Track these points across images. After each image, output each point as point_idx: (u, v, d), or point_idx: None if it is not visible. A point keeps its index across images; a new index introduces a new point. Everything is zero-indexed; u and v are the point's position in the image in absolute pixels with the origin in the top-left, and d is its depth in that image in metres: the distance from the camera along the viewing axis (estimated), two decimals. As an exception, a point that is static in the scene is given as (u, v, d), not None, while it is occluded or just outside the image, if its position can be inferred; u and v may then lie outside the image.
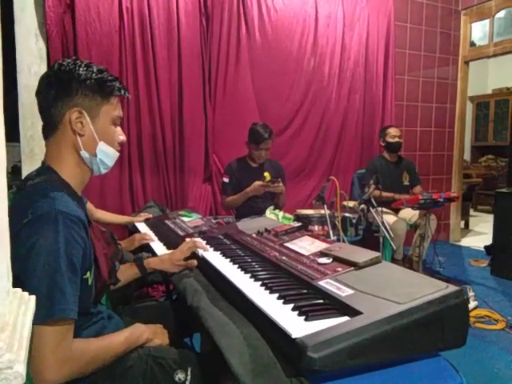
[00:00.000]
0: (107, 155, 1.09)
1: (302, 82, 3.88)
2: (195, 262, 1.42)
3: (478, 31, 4.87)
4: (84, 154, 1.05)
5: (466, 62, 4.92)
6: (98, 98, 1.05)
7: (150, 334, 1.15)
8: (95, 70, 1.05)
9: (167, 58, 3.26)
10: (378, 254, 1.13)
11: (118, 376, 1.03)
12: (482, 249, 4.40)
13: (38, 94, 1.05)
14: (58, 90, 1.02)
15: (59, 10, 2.88)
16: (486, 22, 4.69)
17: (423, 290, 0.90)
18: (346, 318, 0.86)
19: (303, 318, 0.88)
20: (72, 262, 0.90)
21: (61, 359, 0.87)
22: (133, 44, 3.13)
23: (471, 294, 2.87)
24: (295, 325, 0.85)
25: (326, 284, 1.03)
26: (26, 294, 0.73)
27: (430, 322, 0.85)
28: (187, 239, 1.66)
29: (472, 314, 2.75)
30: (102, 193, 3.14)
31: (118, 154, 1.12)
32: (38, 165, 1.08)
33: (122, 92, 1.11)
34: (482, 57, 4.85)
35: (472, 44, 4.92)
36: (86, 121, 1.03)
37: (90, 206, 2.24)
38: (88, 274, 0.98)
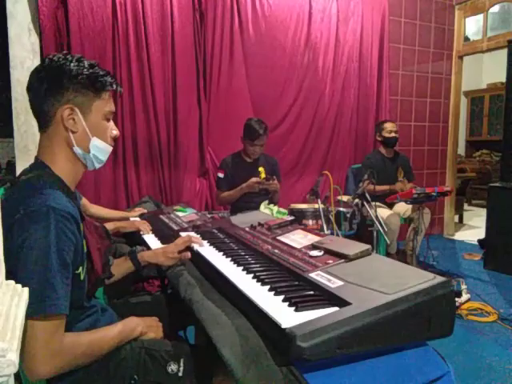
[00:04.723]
0: (101, 150, 1.08)
1: (295, 76, 3.88)
2: (189, 254, 1.41)
3: (472, 26, 4.89)
4: (77, 150, 1.05)
5: (460, 57, 4.94)
6: (90, 93, 1.04)
7: (144, 328, 1.15)
8: (86, 64, 1.04)
9: (161, 52, 3.26)
10: (368, 246, 1.15)
11: (111, 368, 1.04)
12: (476, 243, 4.43)
13: (29, 89, 1.04)
14: (48, 85, 1.01)
15: (52, 5, 2.87)
16: (480, 16, 4.70)
17: (411, 280, 0.92)
18: (335, 309, 0.88)
19: (293, 308, 0.90)
20: (63, 258, 0.90)
21: (51, 353, 0.88)
22: (126, 39, 3.13)
23: (464, 287, 2.89)
24: (285, 315, 0.87)
25: (317, 276, 1.04)
26: (19, 286, 0.74)
27: (417, 311, 0.87)
28: (182, 233, 1.68)
29: (465, 306, 2.78)
30: (97, 188, 3.14)
31: (111, 149, 1.12)
32: (32, 160, 1.08)
33: (114, 87, 1.10)
34: (476, 51, 4.87)
35: (466, 39, 4.94)
36: (78, 117, 1.03)
37: (84, 201, 2.25)
38: (80, 269, 0.99)
